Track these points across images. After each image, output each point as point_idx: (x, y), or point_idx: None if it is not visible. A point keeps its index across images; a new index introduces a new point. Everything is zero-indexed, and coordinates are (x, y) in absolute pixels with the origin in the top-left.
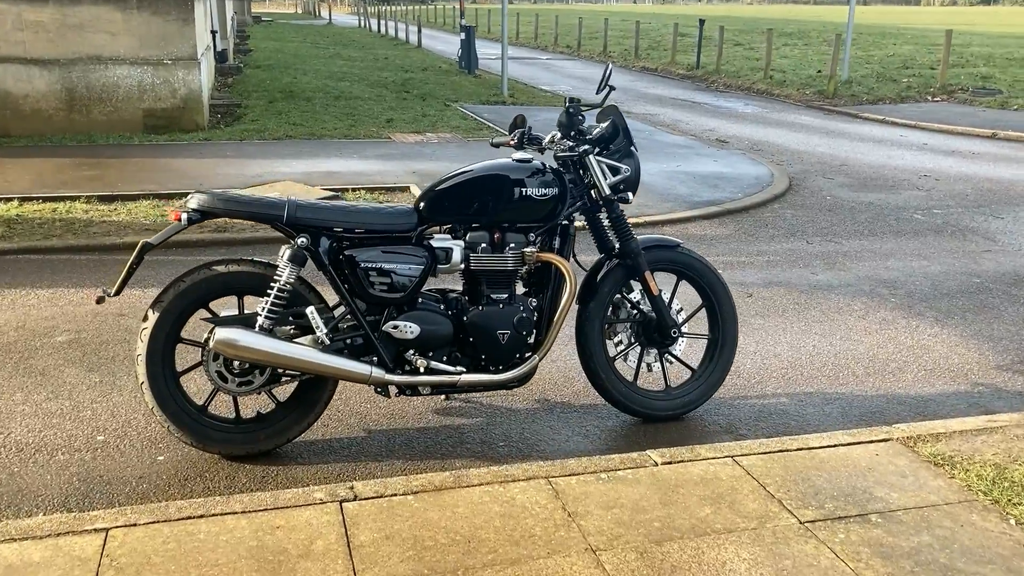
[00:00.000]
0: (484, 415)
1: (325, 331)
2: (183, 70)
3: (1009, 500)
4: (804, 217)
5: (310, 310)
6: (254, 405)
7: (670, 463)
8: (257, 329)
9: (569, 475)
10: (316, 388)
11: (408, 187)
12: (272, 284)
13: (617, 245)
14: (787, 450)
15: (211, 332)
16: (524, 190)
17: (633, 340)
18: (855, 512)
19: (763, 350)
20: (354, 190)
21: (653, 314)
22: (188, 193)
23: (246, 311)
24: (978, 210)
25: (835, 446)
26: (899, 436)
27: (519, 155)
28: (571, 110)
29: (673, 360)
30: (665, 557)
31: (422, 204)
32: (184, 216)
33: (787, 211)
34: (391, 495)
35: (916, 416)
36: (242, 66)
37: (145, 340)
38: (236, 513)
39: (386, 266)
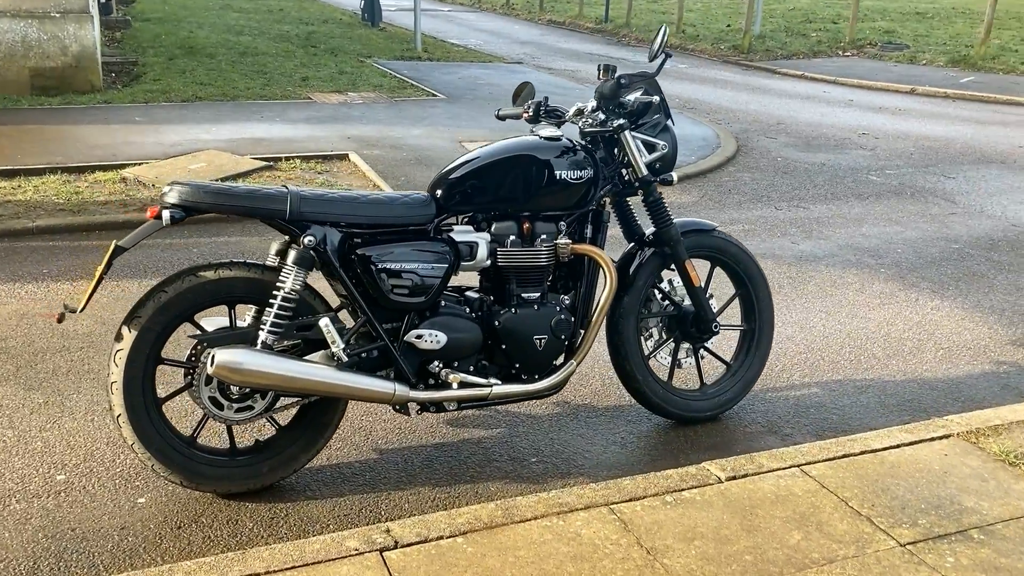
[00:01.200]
0: (503, 424)
1: (342, 346)
2: (74, 24)
3: None
4: (764, 181)
5: (324, 322)
6: (251, 431)
7: (734, 478)
8: (260, 346)
9: (630, 500)
10: (327, 408)
11: (347, 155)
12: (275, 292)
13: (650, 232)
14: (850, 454)
15: (205, 353)
16: (558, 172)
17: (665, 335)
18: (953, 529)
19: (776, 333)
20: (288, 159)
21: (691, 306)
22: (108, 168)
23: (234, 319)
24: (927, 170)
25: (898, 446)
26: (958, 431)
27: (546, 131)
28: (623, 81)
29: (706, 355)
30: None
31: (439, 191)
32: (166, 214)
33: (744, 174)
34: (437, 538)
35: (952, 402)
36: (129, 19)
37: (121, 364)
38: (259, 575)
39: (407, 266)
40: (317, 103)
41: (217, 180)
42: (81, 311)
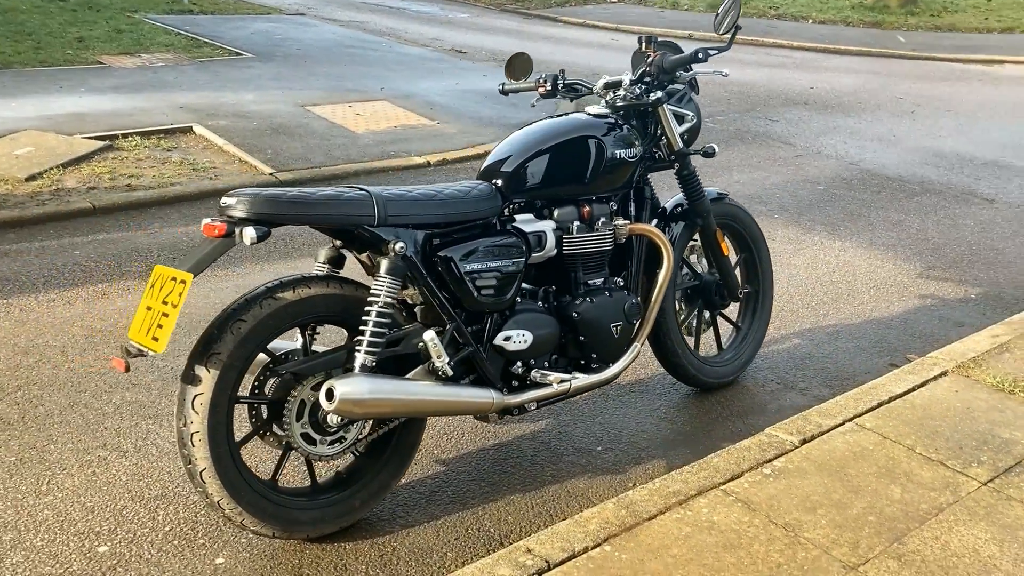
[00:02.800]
0: (545, 417)
1: (448, 359)
2: None
3: None
4: None
5: (429, 335)
6: (318, 464)
7: (806, 440)
8: (359, 369)
9: (732, 478)
10: (414, 428)
11: (190, 127)
12: (367, 308)
13: (673, 204)
14: (882, 402)
15: (316, 387)
16: (615, 151)
17: (687, 306)
18: (1012, 461)
19: None
20: (125, 136)
21: (712, 275)
22: None
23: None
24: (751, 115)
25: (913, 389)
26: (949, 368)
27: (593, 109)
28: (700, 55)
29: (722, 319)
30: (919, 556)
31: (499, 181)
32: (249, 233)
33: None
34: (583, 551)
35: (912, 339)
36: None
37: (203, 411)
38: None
39: (491, 264)
40: (114, 68)
41: (55, 166)
42: (155, 354)
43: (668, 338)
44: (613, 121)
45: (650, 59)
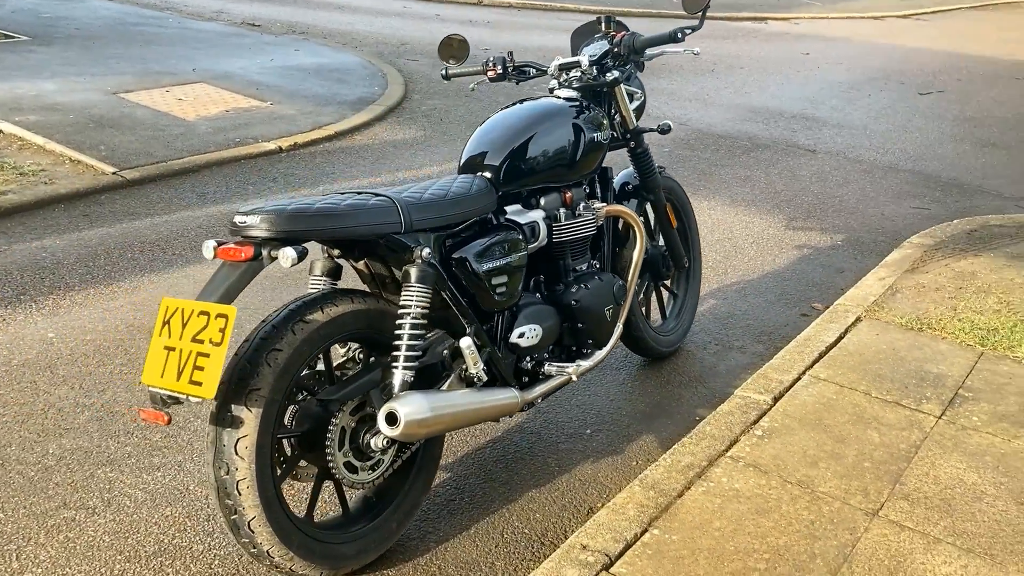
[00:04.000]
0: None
1: (483, 366)
2: None
3: (1007, 346)
4: (465, 107)
5: (466, 342)
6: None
7: (777, 399)
8: (399, 387)
9: (731, 444)
10: (437, 441)
11: None
12: (399, 321)
13: (621, 181)
14: (823, 353)
15: (354, 411)
16: (593, 135)
17: (640, 279)
18: (951, 395)
19: None
20: None
21: (657, 247)
22: None
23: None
24: None
25: (841, 337)
26: (861, 314)
27: (564, 92)
28: (678, 35)
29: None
30: (921, 493)
31: (488, 174)
32: (289, 254)
33: (435, 101)
34: (635, 538)
35: (811, 288)
36: None
37: (250, 456)
38: None
39: (501, 261)
40: None
41: None
42: (198, 401)
43: (633, 314)
44: (584, 104)
45: (617, 39)
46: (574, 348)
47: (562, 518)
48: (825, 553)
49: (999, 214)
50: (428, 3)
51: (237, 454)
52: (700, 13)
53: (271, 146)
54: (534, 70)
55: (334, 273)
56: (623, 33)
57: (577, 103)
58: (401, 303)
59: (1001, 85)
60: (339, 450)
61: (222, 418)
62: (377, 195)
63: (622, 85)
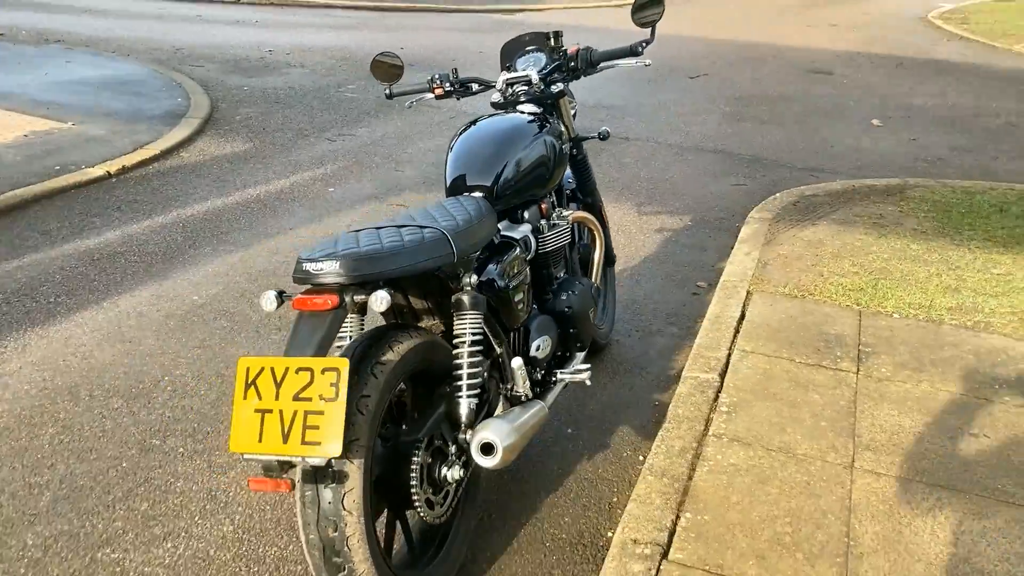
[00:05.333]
0: None
1: (529, 383)
2: None
3: (878, 302)
4: (281, 114)
5: (517, 363)
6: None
7: (722, 374)
8: (466, 416)
9: (707, 424)
10: None
11: None
12: (457, 350)
13: (570, 187)
14: (736, 329)
15: (427, 447)
16: (561, 147)
17: None
18: (855, 352)
19: None
20: None
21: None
22: None
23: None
24: (334, 77)
25: (744, 311)
26: (748, 288)
27: (528, 107)
28: (638, 49)
29: None
30: (876, 441)
31: (479, 193)
32: (381, 299)
33: (247, 110)
34: (673, 524)
35: (695, 267)
36: None
37: (357, 510)
38: None
39: (518, 278)
40: None
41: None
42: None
43: None
44: (545, 117)
45: (573, 52)
46: (559, 353)
47: (588, 517)
48: (831, 508)
49: (806, 185)
50: (184, 3)
51: (344, 509)
52: (651, 28)
53: (98, 172)
54: (476, 85)
55: (363, 308)
56: (577, 47)
57: (540, 117)
58: (456, 331)
59: (752, 66)
60: (420, 487)
61: (323, 475)
62: (423, 227)
63: (568, 96)
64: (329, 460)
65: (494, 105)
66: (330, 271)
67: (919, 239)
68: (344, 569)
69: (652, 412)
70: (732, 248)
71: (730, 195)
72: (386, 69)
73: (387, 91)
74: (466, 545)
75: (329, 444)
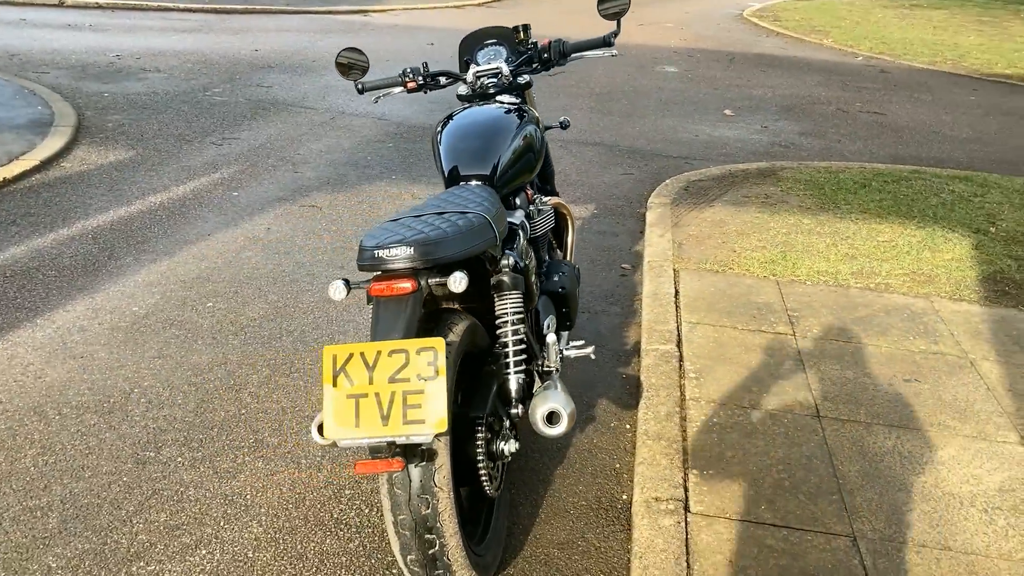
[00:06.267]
0: None
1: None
2: None
3: (790, 272)
4: (154, 119)
5: (552, 338)
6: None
7: (679, 344)
8: (516, 391)
9: (682, 392)
10: None
11: None
12: (501, 329)
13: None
14: (678, 303)
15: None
16: (541, 136)
17: None
18: (785, 318)
19: None
20: None
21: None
22: None
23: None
24: (240, 83)
25: (677, 286)
26: (673, 267)
27: (507, 98)
28: (609, 40)
29: None
30: (827, 390)
31: (483, 183)
32: (458, 280)
33: (116, 116)
34: (683, 480)
35: (606, 252)
36: None
37: (447, 485)
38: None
39: (531, 260)
40: None
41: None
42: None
43: None
44: (524, 108)
45: (544, 45)
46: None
47: (600, 483)
48: (813, 454)
49: (688, 172)
50: (2, 7)
51: (436, 486)
52: (616, 20)
53: None
54: (445, 78)
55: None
56: (549, 40)
57: (518, 107)
58: (498, 311)
59: (601, 63)
60: (487, 462)
61: (413, 453)
62: (464, 213)
63: (533, 88)
64: (422, 450)
65: (460, 97)
66: (404, 256)
67: (807, 214)
68: (435, 546)
69: (623, 384)
70: (642, 232)
71: (622, 184)
72: (350, 66)
73: (359, 87)
74: (505, 519)
75: (434, 421)
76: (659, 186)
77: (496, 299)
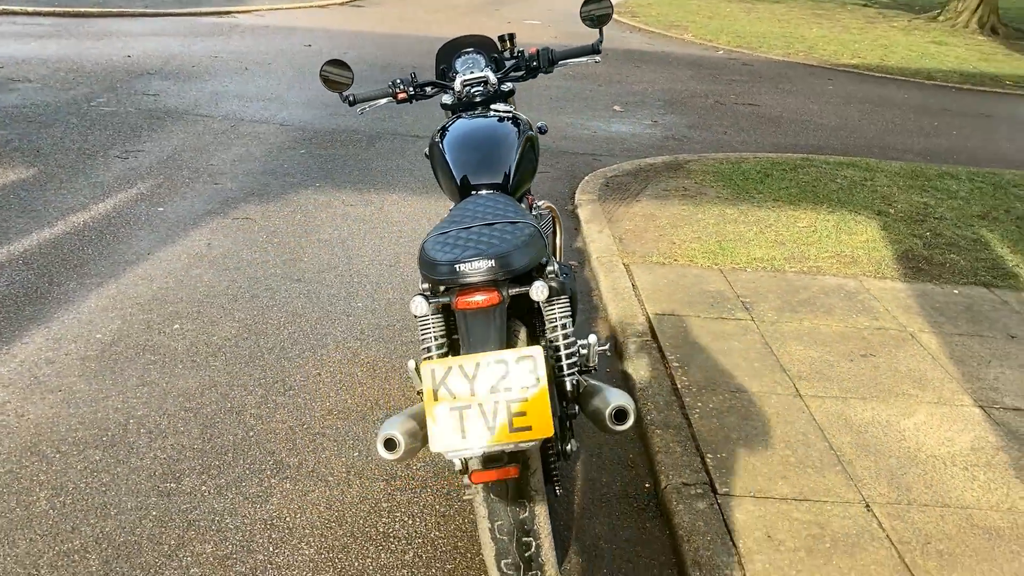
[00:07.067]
0: None
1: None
2: None
3: (730, 260)
4: (44, 133)
5: (593, 338)
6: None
7: (655, 335)
8: (572, 390)
9: (673, 380)
10: None
11: None
12: (552, 334)
13: None
14: (638, 296)
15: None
16: (536, 139)
17: None
18: (740, 303)
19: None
20: None
21: None
22: None
23: None
24: (124, 92)
25: (632, 280)
26: (623, 261)
27: (501, 106)
28: (597, 48)
29: None
30: (799, 370)
31: (497, 188)
32: (540, 290)
33: (3, 131)
34: (703, 465)
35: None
36: None
37: (541, 487)
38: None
39: (558, 265)
40: None
41: None
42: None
43: None
44: (516, 114)
45: (532, 52)
46: None
47: (621, 474)
48: (807, 430)
49: (600, 168)
50: None
51: (532, 489)
52: (599, 27)
53: None
54: (430, 88)
55: None
56: (536, 48)
57: (513, 115)
58: (547, 315)
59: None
60: (557, 461)
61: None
62: (514, 223)
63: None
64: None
65: (445, 107)
66: (486, 269)
67: (728, 204)
68: (531, 548)
69: (608, 379)
70: (576, 229)
71: (540, 182)
72: (336, 79)
73: (349, 99)
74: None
75: (540, 427)
76: (580, 183)
77: (544, 305)
